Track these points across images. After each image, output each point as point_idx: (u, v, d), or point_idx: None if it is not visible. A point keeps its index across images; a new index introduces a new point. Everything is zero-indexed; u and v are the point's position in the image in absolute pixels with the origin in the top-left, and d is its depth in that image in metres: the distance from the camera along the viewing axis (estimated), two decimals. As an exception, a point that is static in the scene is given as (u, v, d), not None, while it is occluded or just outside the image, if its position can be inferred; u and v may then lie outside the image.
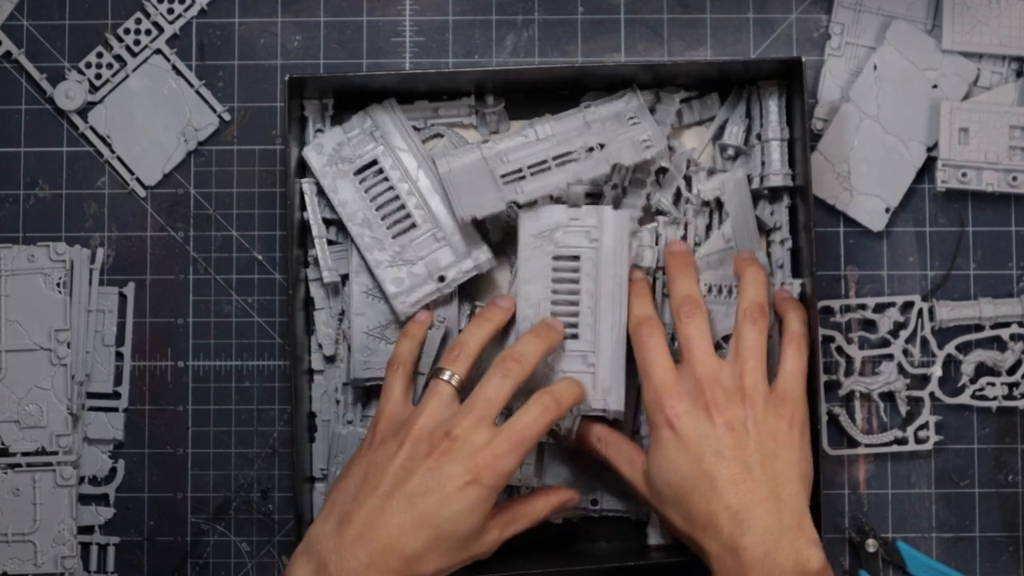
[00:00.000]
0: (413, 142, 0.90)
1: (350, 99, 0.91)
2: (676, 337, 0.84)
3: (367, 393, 0.92)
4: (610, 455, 0.85)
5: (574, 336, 0.86)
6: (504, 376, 0.80)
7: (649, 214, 0.90)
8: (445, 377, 0.82)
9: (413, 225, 0.89)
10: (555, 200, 0.88)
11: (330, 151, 0.89)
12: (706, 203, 0.90)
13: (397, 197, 0.89)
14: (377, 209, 0.89)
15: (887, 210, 0.93)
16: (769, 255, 0.91)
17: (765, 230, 0.92)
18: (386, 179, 0.89)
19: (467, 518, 0.78)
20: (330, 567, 0.76)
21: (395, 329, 0.89)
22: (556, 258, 0.87)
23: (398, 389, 0.84)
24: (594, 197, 0.89)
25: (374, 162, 0.90)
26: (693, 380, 0.81)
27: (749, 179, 0.91)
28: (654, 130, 0.88)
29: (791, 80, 0.89)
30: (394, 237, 0.89)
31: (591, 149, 0.88)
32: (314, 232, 0.90)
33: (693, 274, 0.86)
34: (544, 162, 0.88)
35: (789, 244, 0.90)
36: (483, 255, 0.88)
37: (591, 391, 0.85)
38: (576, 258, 0.86)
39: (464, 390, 0.82)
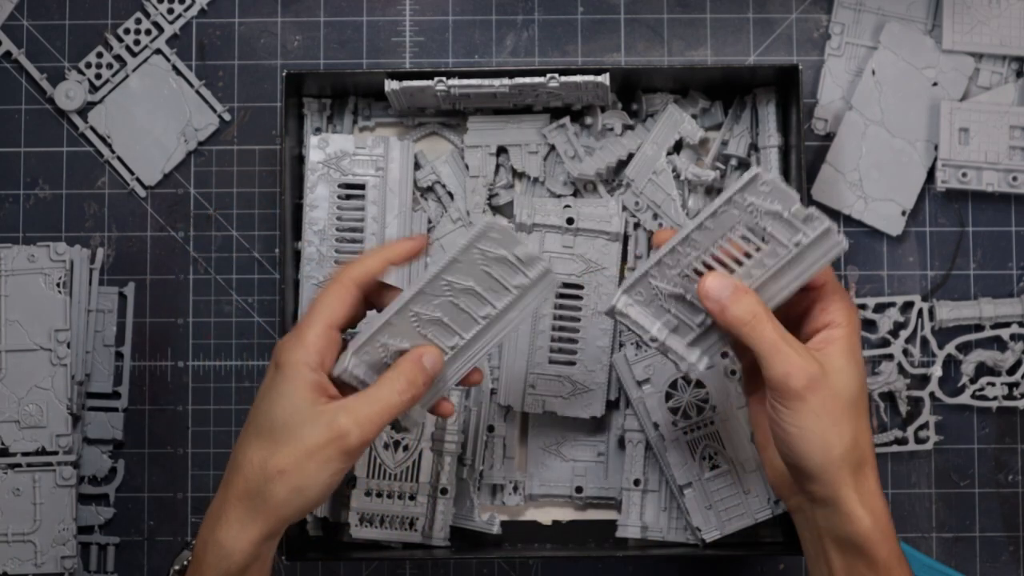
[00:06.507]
0: (407, 190, 0.90)
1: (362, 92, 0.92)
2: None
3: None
4: (761, 346, 0.72)
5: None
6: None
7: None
8: None
9: None
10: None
11: (331, 153, 0.89)
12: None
13: (362, 230, 0.89)
14: (339, 230, 0.89)
15: (903, 213, 0.93)
16: None
17: None
18: (362, 209, 0.89)
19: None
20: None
21: None
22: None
23: None
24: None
25: (362, 187, 0.89)
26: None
27: None
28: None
29: (788, 87, 0.89)
30: (336, 262, 0.89)
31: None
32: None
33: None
34: None
35: None
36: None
37: None
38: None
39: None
